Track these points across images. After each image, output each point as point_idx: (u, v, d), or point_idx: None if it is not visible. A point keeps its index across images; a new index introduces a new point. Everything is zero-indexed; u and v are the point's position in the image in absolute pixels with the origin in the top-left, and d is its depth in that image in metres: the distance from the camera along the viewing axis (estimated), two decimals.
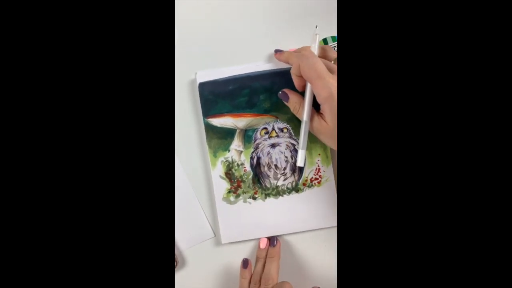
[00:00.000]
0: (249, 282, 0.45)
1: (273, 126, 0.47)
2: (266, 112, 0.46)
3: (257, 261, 0.46)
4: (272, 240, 0.46)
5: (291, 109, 0.44)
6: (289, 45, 0.46)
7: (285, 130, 0.47)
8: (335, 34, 0.47)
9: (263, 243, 0.46)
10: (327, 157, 0.47)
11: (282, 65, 0.46)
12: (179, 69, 0.47)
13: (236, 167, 0.47)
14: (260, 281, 0.44)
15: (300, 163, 0.43)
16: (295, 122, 0.46)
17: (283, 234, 0.47)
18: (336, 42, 0.47)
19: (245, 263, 0.46)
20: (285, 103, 0.44)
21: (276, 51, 0.45)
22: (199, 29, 0.48)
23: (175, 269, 0.48)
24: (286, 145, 0.47)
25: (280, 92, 0.44)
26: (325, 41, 0.47)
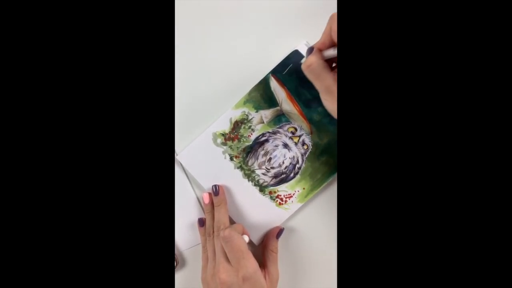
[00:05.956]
0: None
1: (302, 134, 0.46)
2: (310, 120, 0.46)
3: (206, 215, 0.47)
4: (214, 189, 0.46)
5: (305, 61, 0.38)
6: (288, 45, 0.45)
7: (305, 147, 0.46)
8: None
9: (206, 199, 0.47)
10: (305, 196, 0.47)
11: None
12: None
13: (247, 127, 0.46)
14: (213, 232, 0.45)
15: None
16: (318, 150, 0.46)
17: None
18: None
19: (200, 221, 0.47)
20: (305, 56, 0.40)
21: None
22: (199, 28, 0.47)
23: (175, 269, 0.48)
24: (293, 155, 0.46)
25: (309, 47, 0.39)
26: None
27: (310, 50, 0.38)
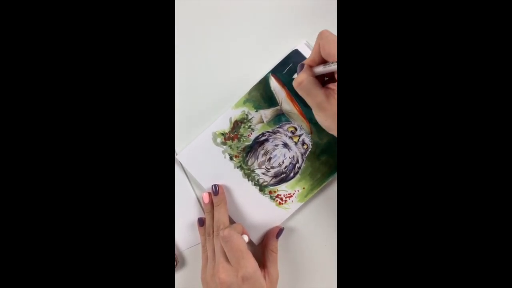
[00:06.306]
0: None
1: (302, 134, 0.46)
2: (310, 120, 0.46)
3: (206, 215, 0.47)
4: (214, 189, 0.46)
5: (296, 78, 0.38)
6: (288, 45, 0.45)
7: (305, 146, 0.46)
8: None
9: (206, 198, 0.47)
10: (305, 196, 0.47)
11: None
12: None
13: (246, 126, 0.46)
14: (212, 231, 0.45)
15: None
16: (318, 149, 0.46)
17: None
18: None
19: (200, 221, 0.47)
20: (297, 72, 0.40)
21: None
22: (199, 28, 0.47)
23: (175, 269, 0.48)
24: (293, 155, 0.46)
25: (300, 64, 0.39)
26: None
27: (301, 67, 0.38)
